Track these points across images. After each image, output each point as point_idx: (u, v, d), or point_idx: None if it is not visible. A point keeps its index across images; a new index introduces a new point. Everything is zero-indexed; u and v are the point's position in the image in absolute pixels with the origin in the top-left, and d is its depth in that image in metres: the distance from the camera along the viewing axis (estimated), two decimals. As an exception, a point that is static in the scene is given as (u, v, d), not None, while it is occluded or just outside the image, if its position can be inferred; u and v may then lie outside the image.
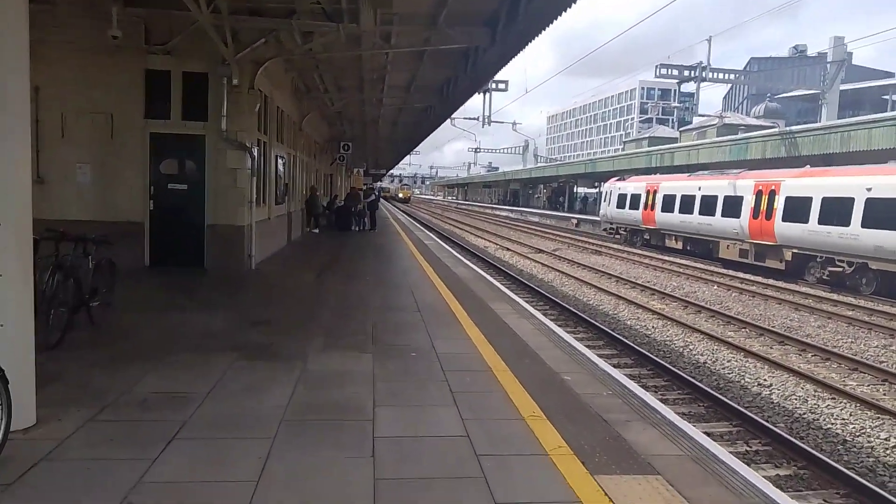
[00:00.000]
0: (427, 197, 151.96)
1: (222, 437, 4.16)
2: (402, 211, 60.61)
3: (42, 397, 4.28)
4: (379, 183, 75.19)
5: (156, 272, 10.96)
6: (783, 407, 7.96)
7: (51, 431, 4.09)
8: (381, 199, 49.99)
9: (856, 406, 7.92)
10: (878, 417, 7.55)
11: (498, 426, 4.50)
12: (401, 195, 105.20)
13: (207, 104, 11.12)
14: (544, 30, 10.48)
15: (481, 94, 41.69)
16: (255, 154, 11.78)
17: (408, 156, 68.21)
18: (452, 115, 31.47)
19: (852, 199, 17.14)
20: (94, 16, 9.94)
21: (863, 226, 16.73)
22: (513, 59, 13.09)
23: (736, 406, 7.45)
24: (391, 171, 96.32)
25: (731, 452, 4.66)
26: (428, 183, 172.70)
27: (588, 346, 8.14)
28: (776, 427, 6.93)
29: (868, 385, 8.90)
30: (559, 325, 9.18)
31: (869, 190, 16.76)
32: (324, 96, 18.94)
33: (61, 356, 5.68)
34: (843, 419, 7.53)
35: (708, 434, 5.19)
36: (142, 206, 11.08)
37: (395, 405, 4.87)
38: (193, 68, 11.08)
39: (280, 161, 15.32)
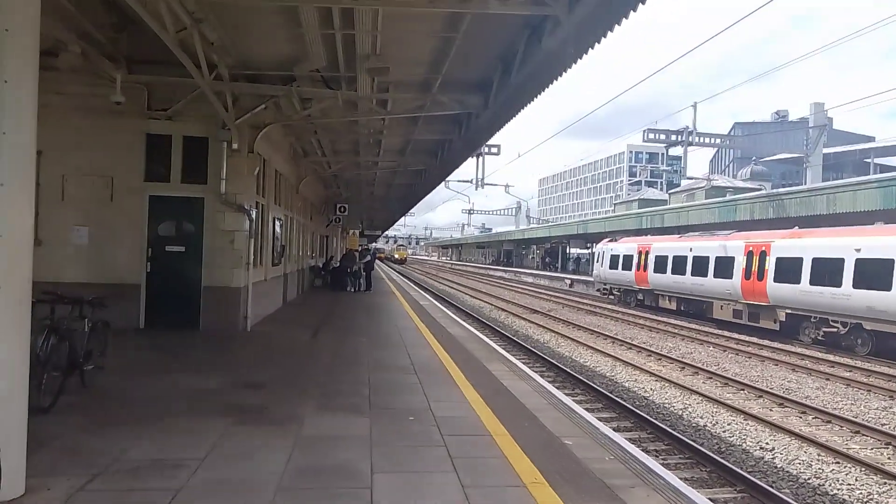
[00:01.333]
0: (421, 257, 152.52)
1: (217, 505, 4.03)
2: (397, 272, 60.67)
3: (32, 464, 4.16)
4: (374, 244, 75.61)
5: (150, 334, 10.85)
6: (787, 471, 7.81)
7: (39, 502, 3.96)
8: (377, 260, 50.17)
9: (861, 470, 7.79)
10: (885, 482, 7.42)
11: (499, 494, 4.40)
12: (396, 255, 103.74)
13: (207, 167, 11.30)
14: (535, 98, 10.78)
15: (475, 158, 42.60)
16: (253, 216, 11.89)
17: (402, 217, 68.88)
18: (447, 178, 32.04)
19: (842, 260, 17.33)
20: (97, 81, 10.20)
21: (854, 286, 16.86)
22: (506, 125, 13.43)
23: (739, 471, 7.30)
24: (386, 232, 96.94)
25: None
26: (422, 244, 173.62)
27: (587, 409, 8.05)
28: (781, 493, 6.78)
29: (871, 448, 8.78)
30: (557, 387, 9.08)
31: (858, 251, 16.98)
32: (321, 159, 19.27)
33: (53, 421, 5.55)
34: (850, 484, 7.39)
35: (713, 500, 5.08)
36: (139, 267, 11.07)
37: (393, 471, 4.76)
38: (194, 132, 11.30)
39: (277, 223, 15.45)
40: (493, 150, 41.40)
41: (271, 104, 11.50)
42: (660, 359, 15.50)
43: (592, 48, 7.91)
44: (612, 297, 33.19)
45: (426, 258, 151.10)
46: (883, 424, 9.94)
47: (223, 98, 10.56)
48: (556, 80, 9.58)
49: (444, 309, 19.98)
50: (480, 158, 43.91)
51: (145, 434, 5.38)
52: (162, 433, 5.46)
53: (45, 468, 4.39)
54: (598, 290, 35.69)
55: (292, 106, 11.80)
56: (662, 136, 49.06)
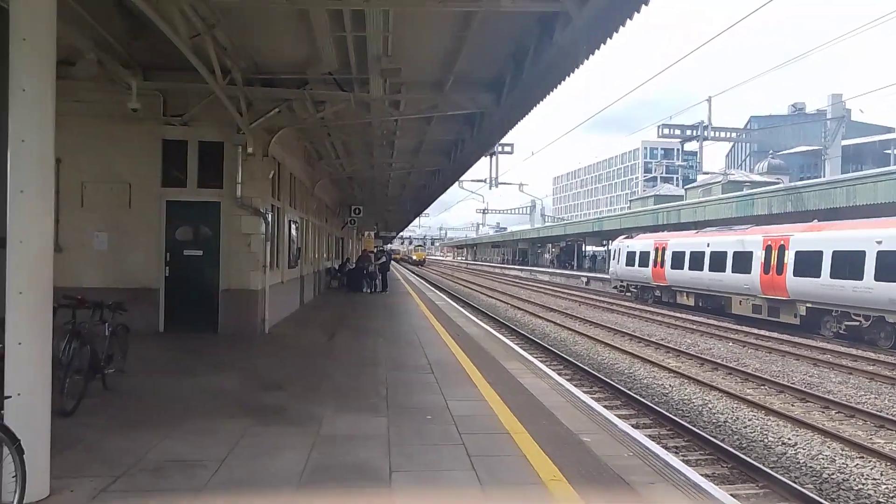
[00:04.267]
0: (436, 257, 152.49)
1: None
2: (413, 272, 60.77)
3: (56, 467, 4.23)
4: (389, 245, 75.73)
5: (170, 337, 10.97)
6: (810, 467, 7.71)
7: (63, 503, 4.02)
8: (392, 262, 50.29)
9: (886, 465, 7.66)
10: (910, 476, 7.29)
11: (518, 491, 4.39)
12: (414, 257, 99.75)
13: (223, 171, 11.39)
14: (548, 94, 10.74)
15: (488, 157, 42.57)
16: (269, 219, 11.97)
17: (417, 217, 68.96)
18: (460, 178, 32.03)
19: (863, 252, 17.06)
20: (113, 89, 10.33)
21: (876, 279, 16.59)
22: (518, 123, 13.39)
23: (762, 467, 7.22)
24: (401, 234, 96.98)
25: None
26: (437, 244, 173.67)
27: (605, 406, 7.99)
28: (804, 489, 6.70)
29: (896, 443, 8.64)
30: (574, 385, 9.04)
31: (879, 242, 16.71)
32: (335, 162, 19.35)
33: (76, 423, 5.63)
34: (875, 479, 7.28)
35: (735, 496, 5.03)
36: (157, 272, 11.20)
37: (411, 470, 4.77)
38: (209, 137, 11.41)
39: (293, 226, 15.54)
40: (507, 148, 41.36)
41: (285, 108, 11.56)
42: (678, 355, 15.37)
43: (605, 43, 7.86)
44: (629, 294, 32.98)
45: (441, 258, 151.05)
46: (908, 418, 9.77)
47: (237, 102, 10.64)
48: (569, 76, 9.53)
49: (460, 308, 19.97)
50: (494, 157, 43.88)
51: (166, 435, 5.44)
52: (183, 434, 5.52)
53: (69, 470, 4.45)
54: (614, 287, 35.48)
55: (305, 109, 11.86)
56: (677, 132, 48.62)
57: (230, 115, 10.62)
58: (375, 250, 34.33)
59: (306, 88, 10.84)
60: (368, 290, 24.87)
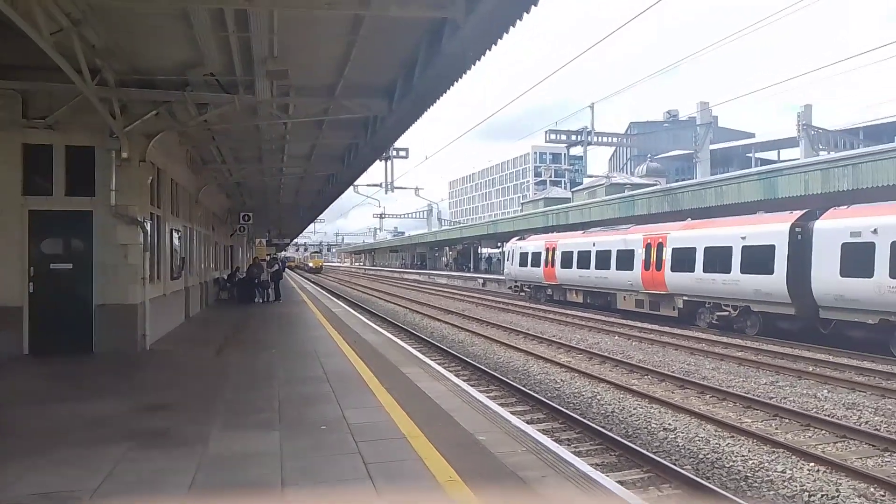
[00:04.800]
0: (334, 264, 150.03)
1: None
2: (309, 280, 59.40)
3: None
4: (283, 252, 73.64)
5: (37, 360, 10.04)
6: (688, 449, 8.26)
7: None
8: (287, 269, 48.88)
9: (753, 442, 8.36)
10: (773, 451, 7.99)
11: (414, 494, 4.37)
12: (311, 264, 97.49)
13: (95, 178, 10.58)
14: (439, 98, 10.87)
15: (383, 161, 42.49)
16: (148, 228, 11.26)
17: (312, 224, 67.51)
18: (355, 182, 31.70)
19: (730, 248, 18.62)
20: (-39, 88, 9.35)
21: (742, 272, 18.15)
22: (411, 127, 13.47)
23: (646, 452, 7.65)
24: (295, 240, 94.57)
25: (644, 500, 4.76)
26: (334, 250, 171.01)
27: (501, 405, 8.17)
28: (684, 470, 7.17)
29: (762, 421, 9.45)
30: (472, 386, 9.18)
31: (744, 238, 18.30)
32: (222, 167, 18.56)
33: (-81, 463, 5.01)
34: (743, 456, 7.91)
35: (621, 483, 5.29)
36: (20, 289, 10.22)
37: (305, 484, 4.64)
38: (78, 142, 10.56)
39: (175, 235, 14.72)
40: (402, 153, 41.56)
41: (164, 110, 10.93)
42: (569, 350, 16.02)
43: (490, 50, 8.07)
44: (523, 293, 34.00)
45: (339, 265, 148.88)
46: (771, 398, 10.73)
47: (110, 105, 9.93)
48: (458, 81, 9.70)
49: (359, 315, 19.76)
50: (389, 162, 43.93)
51: (32, 466, 4.96)
52: (52, 464, 5.06)
53: (-90, 516, 3.95)
54: (509, 287, 36.47)
55: (187, 112, 11.29)
56: (563, 137, 50.85)
57: (101, 119, 9.90)
58: (268, 258, 33.24)
59: (187, 90, 10.32)
60: (261, 300, 24.04)
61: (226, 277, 26.42)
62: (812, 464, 7.50)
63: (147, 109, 10.65)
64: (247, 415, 6.74)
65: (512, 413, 7.26)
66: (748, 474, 7.34)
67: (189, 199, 17.02)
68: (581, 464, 5.15)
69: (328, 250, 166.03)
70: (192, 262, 17.54)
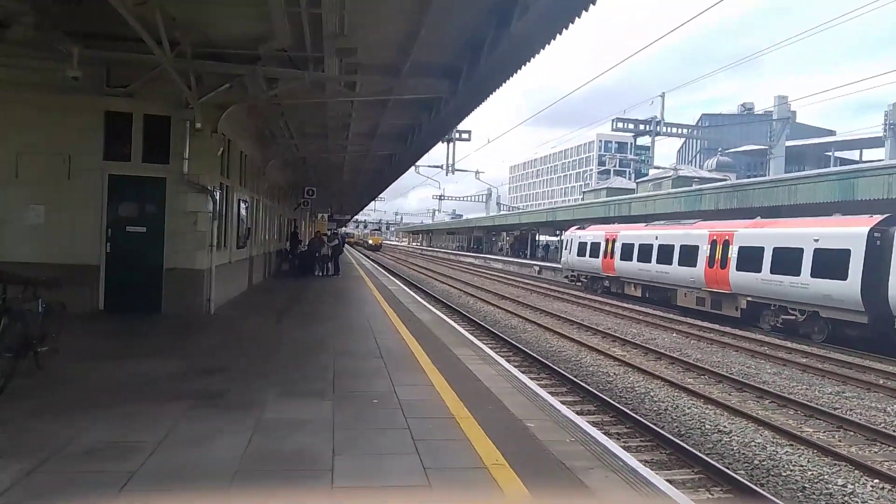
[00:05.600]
0: (392, 243, 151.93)
1: (172, 489, 3.97)
2: (367, 257, 60.37)
3: (-22, 449, 4.04)
4: (343, 228, 74.98)
5: (110, 317, 10.60)
6: (743, 454, 8.02)
7: (-14, 486, 3.84)
8: (346, 246, 49.79)
9: (813, 452, 8.03)
10: (835, 464, 7.67)
11: (460, 475, 4.41)
12: (371, 241, 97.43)
13: (169, 147, 11.03)
14: (504, 82, 10.79)
15: (445, 143, 42.53)
16: (217, 197, 11.65)
17: (372, 202, 68.45)
18: (416, 163, 31.89)
19: (801, 250, 17.79)
20: (52, 56, 9.82)
21: (812, 275, 17.34)
22: (475, 111, 13.41)
23: (697, 453, 7.47)
24: (356, 217, 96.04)
25: (693, 500, 4.65)
26: (392, 229, 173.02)
27: (551, 393, 8.13)
28: (737, 474, 6.96)
29: (823, 431, 9.06)
30: (522, 371, 9.15)
31: (816, 241, 17.45)
32: (289, 142, 18.98)
33: (3, 405, 5.39)
34: (802, 465, 7.62)
35: (670, 481, 5.19)
36: (98, 248, 10.79)
37: (354, 454, 4.74)
38: (155, 111, 11.01)
39: (243, 205, 15.19)
40: (464, 135, 41.46)
41: (236, 84, 11.23)
42: (624, 344, 15.74)
43: (560, 34, 7.92)
44: (579, 283, 33.55)
45: (397, 243, 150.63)
46: (835, 409, 10.26)
47: (186, 76, 10.28)
48: (525, 65, 9.60)
49: (414, 294, 19.95)
50: (451, 144, 43.90)
51: (99, 418, 5.26)
52: (117, 417, 5.35)
53: (-8, 452, 4.26)
54: (565, 276, 36.05)
55: (258, 86, 11.55)
56: (631, 126, 49.56)
57: (178, 89, 10.26)
58: (329, 233, 33.91)
59: (259, 65, 10.55)
60: (320, 273, 24.59)
61: (287, 249, 27.13)
62: (876, 480, 7.15)
63: (220, 82, 10.97)
64: (301, 383, 6.93)
65: (562, 402, 7.20)
66: (805, 485, 7.07)
67: (256, 171, 17.50)
68: (630, 458, 5.06)
69: (387, 228, 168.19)
70: (256, 232, 18.09)
